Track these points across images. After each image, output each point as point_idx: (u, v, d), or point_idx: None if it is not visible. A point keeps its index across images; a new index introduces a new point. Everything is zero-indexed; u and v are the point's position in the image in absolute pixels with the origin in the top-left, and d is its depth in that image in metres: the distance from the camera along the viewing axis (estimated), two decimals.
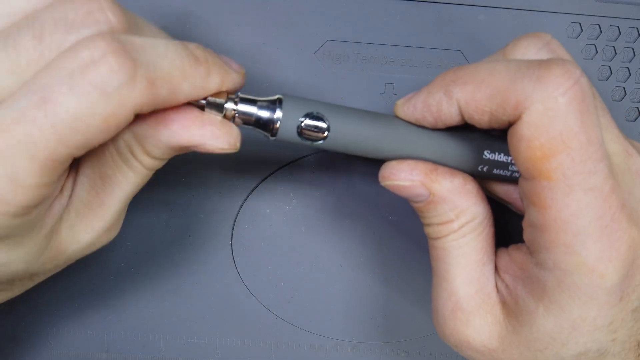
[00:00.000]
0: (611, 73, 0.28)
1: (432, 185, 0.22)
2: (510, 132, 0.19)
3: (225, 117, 0.21)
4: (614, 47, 0.28)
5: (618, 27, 0.27)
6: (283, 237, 0.30)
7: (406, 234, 0.30)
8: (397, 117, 0.22)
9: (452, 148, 0.22)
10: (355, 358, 0.31)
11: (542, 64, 0.18)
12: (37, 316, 0.30)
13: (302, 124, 0.21)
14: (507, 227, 0.25)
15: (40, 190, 0.17)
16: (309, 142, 0.21)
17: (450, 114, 0.20)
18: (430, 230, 0.23)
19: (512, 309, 0.22)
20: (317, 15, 0.27)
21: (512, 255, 0.22)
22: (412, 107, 0.21)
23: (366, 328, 0.31)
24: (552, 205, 0.19)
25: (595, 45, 0.28)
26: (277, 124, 0.21)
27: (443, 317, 0.23)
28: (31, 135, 0.16)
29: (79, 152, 0.17)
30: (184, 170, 0.29)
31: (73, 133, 0.16)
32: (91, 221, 0.21)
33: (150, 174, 0.21)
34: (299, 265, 0.30)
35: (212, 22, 0.27)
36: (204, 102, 0.20)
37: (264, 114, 0.21)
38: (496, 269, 0.23)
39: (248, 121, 0.21)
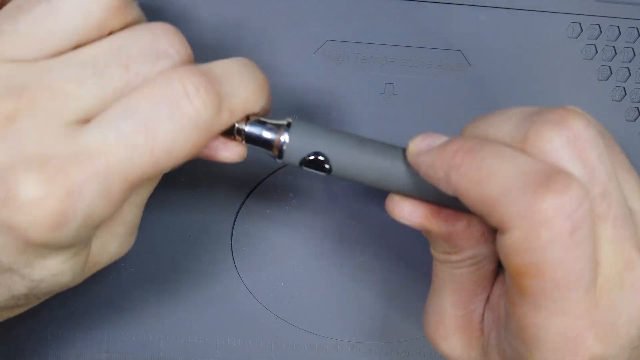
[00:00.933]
0: (611, 73, 0.28)
1: (432, 227, 0.22)
2: (496, 236, 0.19)
3: (234, 136, 0.21)
4: (614, 47, 0.28)
5: (618, 27, 0.27)
6: (283, 237, 0.30)
7: (406, 234, 0.30)
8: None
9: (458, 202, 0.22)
10: (355, 358, 0.31)
11: (540, 184, 0.17)
12: (37, 316, 0.30)
13: (305, 159, 0.21)
14: None
15: (119, 204, 0.18)
16: (312, 171, 0.22)
17: (447, 193, 0.20)
18: (433, 252, 0.23)
19: (486, 342, 0.22)
20: (317, 15, 0.27)
21: (501, 299, 0.22)
22: (418, 165, 0.21)
23: (366, 328, 0.31)
24: (519, 311, 0.19)
25: (595, 45, 0.28)
26: (283, 147, 0.21)
27: (428, 323, 0.24)
28: (130, 158, 0.17)
29: (162, 173, 0.19)
30: (183, 170, 0.29)
31: (166, 158, 0.18)
32: (113, 228, 0.21)
33: (161, 176, 0.21)
34: (299, 265, 0.30)
35: (213, 22, 0.27)
36: None
37: (271, 136, 0.21)
38: (488, 300, 0.23)
39: (256, 142, 0.21)
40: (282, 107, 0.28)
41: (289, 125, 0.21)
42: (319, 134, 0.21)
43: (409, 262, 0.30)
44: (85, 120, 0.18)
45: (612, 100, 0.28)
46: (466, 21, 0.27)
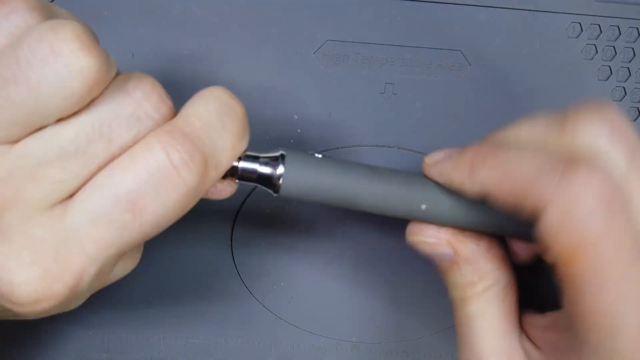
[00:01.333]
0: (611, 73, 0.28)
1: (458, 245, 0.22)
2: (535, 228, 0.18)
3: (227, 175, 0.20)
4: (614, 47, 0.28)
5: (618, 27, 0.27)
6: (283, 237, 0.30)
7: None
8: (425, 176, 0.22)
9: (480, 214, 0.21)
10: (355, 358, 0.31)
11: (568, 165, 0.17)
12: None
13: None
14: (538, 291, 0.23)
15: (112, 272, 0.20)
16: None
17: (472, 194, 0.20)
18: (455, 294, 0.22)
19: None
20: (317, 15, 0.27)
21: (546, 330, 0.21)
22: (438, 174, 0.21)
23: (366, 328, 0.31)
24: (584, 309, 0.18)
25: (595, 45, 0.28)
26: (279, 181, 0.20)
27: None
28: (120, 237, 0.17)
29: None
30: None
31: (155, 229, 0.18)
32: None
33: None
34: (299, 265, 0.30)
35: (213, 22, 0.27)
36: None
37: (265, 171, 0.20)
38: (525, 333, 0.22)
39: (249, 179, 0.20)
40: (282, 107, 0.28)
41: (282, 157, 0.20)
42: (315, 164, 0.20)
43: (409, 262, 0.30)
44: (71, 195, 0.17)
45: (612, 100, 0.28)
46: (466, 21, 0.27)
